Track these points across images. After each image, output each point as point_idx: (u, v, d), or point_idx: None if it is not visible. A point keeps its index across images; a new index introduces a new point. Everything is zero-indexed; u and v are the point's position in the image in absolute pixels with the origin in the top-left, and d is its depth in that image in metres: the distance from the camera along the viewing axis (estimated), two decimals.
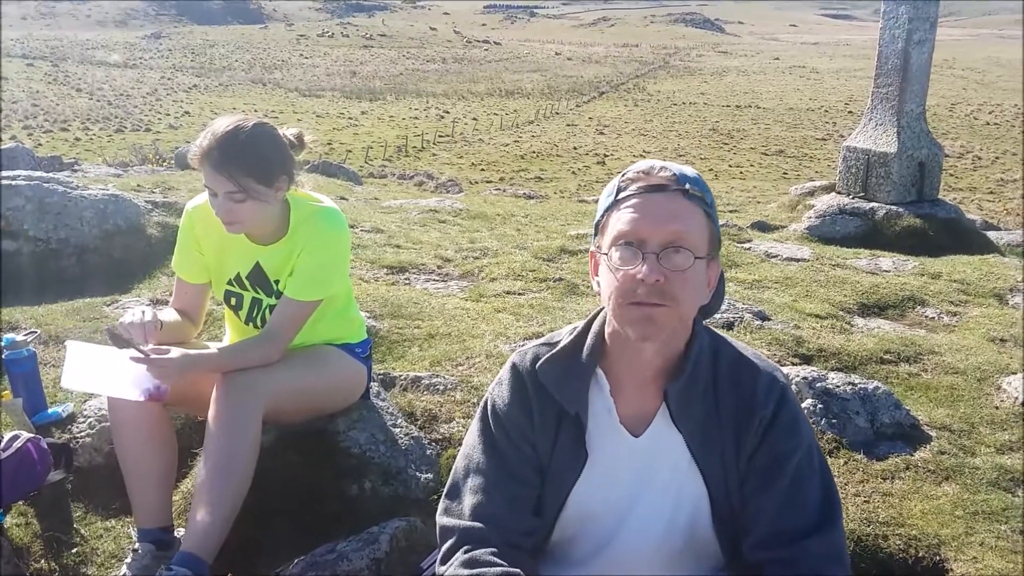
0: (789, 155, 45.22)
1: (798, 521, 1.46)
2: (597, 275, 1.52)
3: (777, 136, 51.27)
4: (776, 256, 5.98)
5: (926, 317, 4.68)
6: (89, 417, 2.85)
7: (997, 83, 76.32)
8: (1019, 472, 2.76)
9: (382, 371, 3.19)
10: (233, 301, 2.56)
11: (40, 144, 40.76)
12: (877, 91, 8.13)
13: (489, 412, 1.60)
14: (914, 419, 3.11)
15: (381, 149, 46.17)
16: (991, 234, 8.51)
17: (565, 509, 1.57)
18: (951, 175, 34.26)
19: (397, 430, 2.74)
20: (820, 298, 4.76)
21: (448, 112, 64.69)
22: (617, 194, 1.46)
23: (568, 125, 57.48)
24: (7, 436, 2.39)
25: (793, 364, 3.57)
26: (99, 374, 2.34)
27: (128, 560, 2.29)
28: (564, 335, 1.61)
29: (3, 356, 2.83)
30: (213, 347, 2.51)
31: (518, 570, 1.46)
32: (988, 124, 54.12)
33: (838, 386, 3.15)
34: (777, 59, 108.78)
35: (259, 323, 2.52)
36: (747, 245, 6.38)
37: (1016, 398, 3.31)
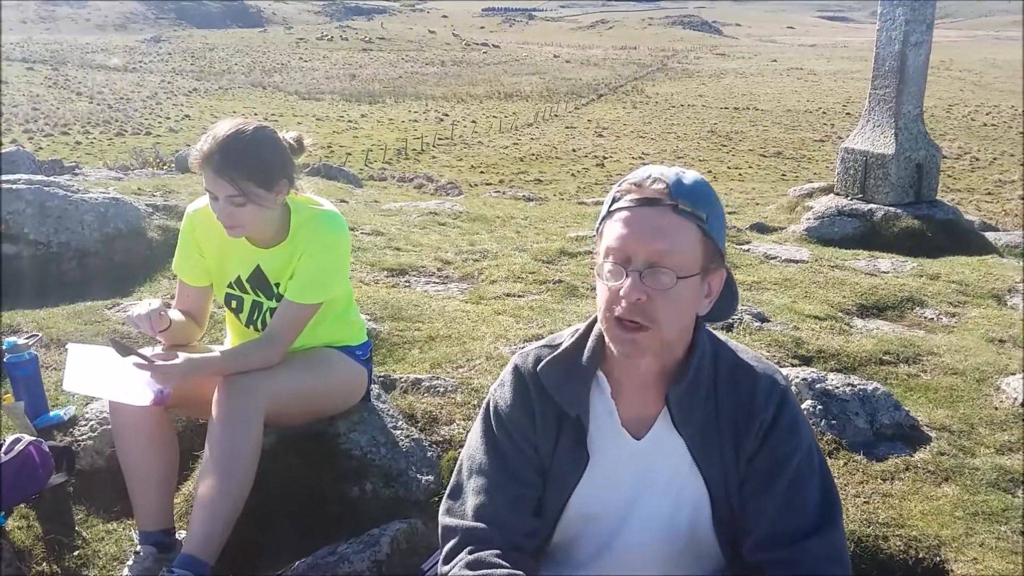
0: (787, 157, 45.21)
1: (798, 522, 1.47)
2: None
3: (775, 138, 51.26)
4: (775, 257, 5.99)
5: (925, 318, 4.69)
6: (91, 420, 2.86)
7: (994, 84, 76.36)
8: (1018, 473, 2.77)
9: (383, 373, 3.19)
10: (234, 304, 2.56)
11: (41, 148, 40.80)
12: (874, 93, 8.15)
13: (491, 413, 1.61)
14: (914, 420, 3.11)
15: (381, 152, 46.17)
16: (989, 235, 8.52)
17: (566, 511, 1.58)
18: (949, 176, 34.27)
19: (398, 432, 2.74)
20: (819, 299, 4.77)
21: (447, 115, 64.69)
22: (611, 204, 1.46)
23: (567, 127, 57.47)
24: (9, 439, 2.39)
25: (792, 365, 3.58)
26: (101, 377, 2.34)
27: (130, 563, 2.30)
28: (566, 337, 1.61)
29: (5, 359, 2.84)
30: (215, 350, 2.52)
31: (521, 572, 1.46)
32: (985, 125, 54.13)
33: (837, 387, 3.16)
34: (775, 61, 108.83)
35: (260, 326, 2.53)
36: (746, 247, 6.38)
37: (1015, 399, 3.32)
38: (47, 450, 2.45)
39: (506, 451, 1.57)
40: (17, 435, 2.44)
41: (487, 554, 1.49)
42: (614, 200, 1.45)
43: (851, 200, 8.24)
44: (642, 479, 1.55)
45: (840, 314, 4.55)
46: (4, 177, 5.24)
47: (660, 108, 66.86)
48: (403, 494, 2.57)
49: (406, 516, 2.46)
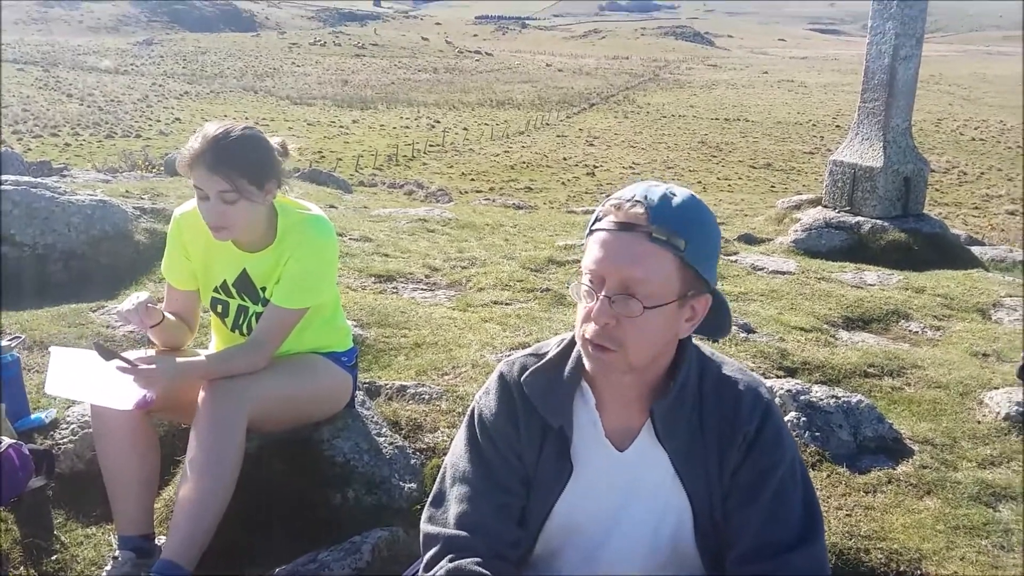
0: (777, 168, 45.43)
1: (781, 535, 1.47)
2: None
3: (765, 149, 51.50)
4: (762, 269, 6.01)
5: (910, 331, 4.71)
6: (72, 423, 2.84)
7: (983, 99, 76.97)
8: (1000, 487, 2.78)
9: (368, 380, 3.18)
10: (219, 308, 2.55)
11: (30, 149, 40.58)
12: (864, 106, 8.20)
13: (476, 421, 1.60)
14: (897, 433, 3.12)
15: (371, 158, 46.13)
16: (975, 249, 8.59)
17: (549, 521, 1.57)
18: (936, 190, 34.51)
19: (381, 439, 2.73)
20: (805, 311, 4.78)
21: (439, 122, 64.70)
22: (594, 222, 1.45)
23: (558, 136, 57.58)
24: None
25: (777, 377, 3.59)
26: (83, 381, 2.32)
27: (108, 568, 2.28)
28: (552, 346, 1.61)
29: None
30: (201, 354, 2.50)
31: None
32: (974, 140, 54.54)
33: (822, 399, 3.16)
34: (766, 73, 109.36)
35: (245, 331, 2.52)
36: (733, 258, 6.41)
37: (998, 413, 3.34)
38: (27, 453, 2.43)
39: (490, 459, 1.57)
40: None
41: (467, 562, 1.49)
42: (596, 219, 1.45)
43: (839, 212, 8.28)
44: (625, 491, 1.55)
45: (826, 326, 4.57)
46: None
47: (651, 118, 67.09)
48: (386, 501, 2.56)
49: (388, 524, 2.45)
